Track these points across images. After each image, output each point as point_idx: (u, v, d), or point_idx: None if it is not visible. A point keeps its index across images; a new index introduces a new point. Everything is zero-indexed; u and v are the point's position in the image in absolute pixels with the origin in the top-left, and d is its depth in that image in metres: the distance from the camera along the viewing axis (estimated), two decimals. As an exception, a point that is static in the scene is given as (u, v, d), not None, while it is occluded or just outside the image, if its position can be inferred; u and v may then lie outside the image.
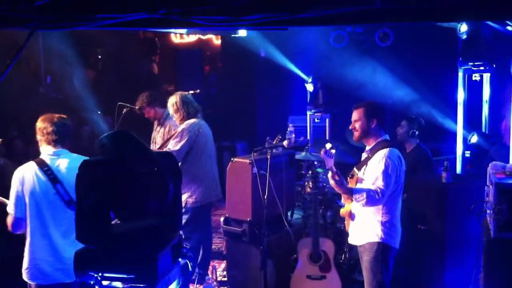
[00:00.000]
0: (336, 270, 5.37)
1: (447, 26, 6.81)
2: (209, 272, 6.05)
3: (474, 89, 7.27)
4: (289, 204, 5.81)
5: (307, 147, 6.77)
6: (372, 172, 4.37)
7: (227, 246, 5.79)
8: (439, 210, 5.21)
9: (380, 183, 4.27)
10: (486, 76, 7.15)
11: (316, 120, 9.05)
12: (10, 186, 4.09)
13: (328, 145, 4.64)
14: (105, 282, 2.64)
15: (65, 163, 4.09)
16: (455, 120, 7.31)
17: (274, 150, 5.32)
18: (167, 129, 6.44)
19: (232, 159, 5.50)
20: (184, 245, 3.00)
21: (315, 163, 6.35)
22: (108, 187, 2.58)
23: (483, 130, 7.33)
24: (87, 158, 3.89)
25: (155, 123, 6.68)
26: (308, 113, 9.09)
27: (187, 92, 6.27)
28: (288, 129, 5.26)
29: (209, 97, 11.33)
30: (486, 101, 7.37)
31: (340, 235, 5.99)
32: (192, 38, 11.81)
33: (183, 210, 5.46)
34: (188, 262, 2.99)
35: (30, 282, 4.14)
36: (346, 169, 4.97)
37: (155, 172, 2.62)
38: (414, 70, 8.62)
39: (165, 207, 2.70)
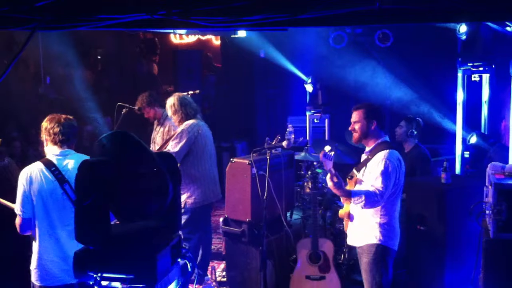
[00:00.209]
0: (335, 271, 5.37)
1: (447, 26, 6.82)
2: (209, 273, 6.05)
3: (473, 89, 7.27)
4: (288, 205, 5.81)
5: (306, 147, 6.78)
6: (371, 174, 4.36)
7: (226, 247, 5.80)
8: (439, 211, 5.21)
9: (379, 185, 4.27)
10: (486, 77, 7.16)
11: (316, 121, 9.05)
12: (14, 185, 4.07)
13: (327, 148, 4.64)
14: (104, 283, 2.64)
15: (72, 163, 4.10)
16: (454, 121, 7.31)
17: (273, 151, 5.32)
18: (166, 129, 6.44)
19: (231, 159, 5.50)
20: (183, 246, 3.00)
21: (315, 163, 6.36)
22: (107, 187, 2.58)
23: (482, 130, 7.33)
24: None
25: (155, 123, 6.69)
26: (308, 113, 9.09)
27: (185, 93, 6.27)
28: (288, 129, 5.26)
29: (208, 97, 11.33)
30: (486, 102, 7.37)
31: (340, 236, 5.99)
32: (192, 38, 11.81)
33: (182, 210, 5.46)
34: (187, 262, 2.99)
35: (37, 284, 4.12)
36: (345, 169, 4.97)
37: (155, 173, 2.62)
38: (414, 71, 8.62)
39: (165, 208, 2.70)
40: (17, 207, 4.06)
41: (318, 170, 6.01)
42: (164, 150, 5.68)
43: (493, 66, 6.55)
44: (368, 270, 4.44)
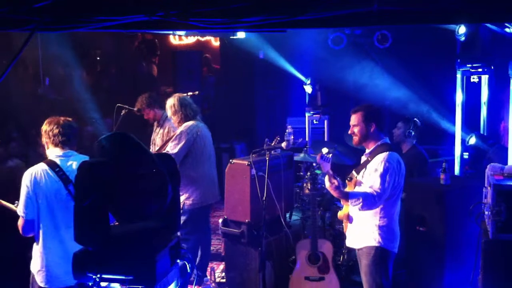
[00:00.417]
0: (334, 272, 5.38)
1: (446, 28, 6.82)
2: (208, 274, 6.05)
3: (472, 90, 7.27)
4: (287, 206, 5.81)
5: (305, 148, 6.78)
6: (370, 175, 4.36)
7: (225, 248, 5.80)
8: (438, 212, 5.21)
9: (377, 186, 4.27)
10: (485, 78, 7.16)
11: (315, 122, 9.05)
12: (18, 187, 4.06)
13: (325, 150, 4.63)
14: (103, 284, 2.64)
15: (76, 164, 4.07)
16: (453, 122, 7.31)
17: (272, 152, 5.32)
18: (166, 130, 6.44)
19: (230, 160, 5.50)
20: (182, 246, 3.00)
21: (314, 164, 6.35)
22: (107, 188, 2.58)
23: (482, 131, 7.33)
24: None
25: (155, 124, 6.69)
26: (307, 114, 9.09)
27: (185, 94, 6.27)
28: (287, 130, 5.25)
29: (207, 98, 11.33)
30: (485, 103, 7.37)
31: (339, 237, 5.99)
32: (191, 39, 11.81)
33: (181, 211, 5.46)
34: (186, 263, 2.99)
35: (42, 286, 4.10)
36: (345, 170, 4.97)
37: (154, 174, 2.62)
38: (413, 72, 8.63)
39: (164, 209, 2.70)
40: (20, 208, 4.05)
41: (317, 171, 6.01)
42: (163, 152, 5.69)
43: (492, 67, 6.55)
44: (368, 273, 4.43)
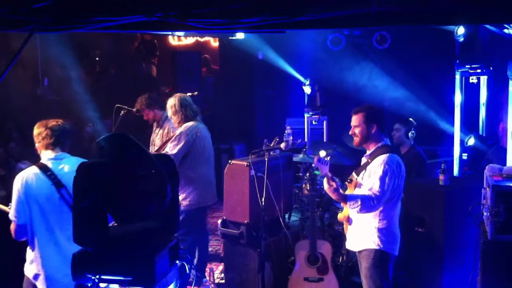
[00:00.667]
0: (333, 272, 5.38)
1: (445, 28, 6.83)
2: (207, 275, 6.05)
3: (471, 91, 7.28)
4: (286, 206, 5.81)
5: (304, 149, 6.78)
6: (370, 178, 4.34)
7: (224, 249, 5.79)
8: (437, 213, 5.21)
9: (376, 189, 4.24)
10: (483, 79, 7.16)
11: (314, 123, 9.06)
12: None
13: (322, 153, 4.62)
14: (102, 285, 2.64)
15: (68, 167, 4.05)
16: (452, 123, 7.32)
17: (271, 153, 5.32)
18: (165, 131, 6.44)
19: (229, 161, 5.50)
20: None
21: (313, 165, 6.35)
22: (106, 189, 2.58)
23: (480, 132, 7.34)
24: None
25: (154, 125, 6.69)
26: (306, 115, 9.09)
27: (186, 94, 6.27)
28: (286, 131, 5.25)
29: (207, 99, 11.32)
30: (483, 104, 7.37)
31: (338, 237, 5.99)
32: (190, 40, 11.81)
33: (179, 212, 5.46)
34: (185, 264, 2.99)
35: None
36: (344, 171, 4.98)
37: (153, 175, 2.62)
38: (412, 73, 8.65)
39: (163, 210, 2.70)
40: (11, 213, 3.99)
41: (316, 172, 6.00)
42: (162, 152, 5.69)
43: (491, 68, 6.55)
44: (368, 276, 4.42)
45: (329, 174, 4.37)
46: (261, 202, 5.01)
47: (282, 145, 5.18)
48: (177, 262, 2.91)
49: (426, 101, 8.41)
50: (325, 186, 4.36)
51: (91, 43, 10.14)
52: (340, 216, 4.72)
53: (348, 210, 4.52)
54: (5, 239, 4.13)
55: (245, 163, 5.28)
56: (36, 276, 4.06)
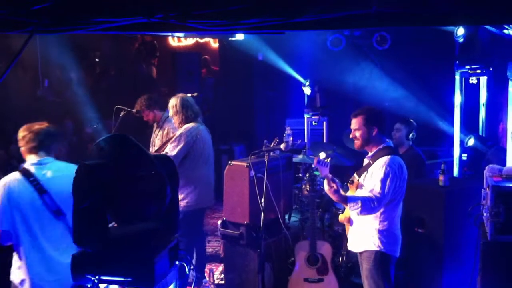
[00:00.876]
0: (333, 273, 5.38)
1: (444, 29, 6.83)
2: (207, 275, 6.05)
3: (471, 92, 7.28)
4: (286, 207, 5.81)
5: (304, 150, 6.78)
6: (371, 179, 4.33)
7: (224, 249, 5.79)
8: (437, 213, 5.21)
9: (377, 191, 4.23)
10: (483, 79, 7.17)
11: (314, 123, 9.07)
12: None
13: (322, 155, 4.61)
14: (102, 285, 2.64)
15: (52, 172, 3.95)
16: (452, 123, 7.32)
17: (271, 153, 5.32)
18: (165, 131, 6.44)
19: (229, 162, 5.50)
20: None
21: (313, 166, 6.36)
22: (105, 190, 2.58)
23: (480, 133, 7.34)
24: (74, 165, 3.86)
25: (154, 126, 6.69)
26: (306, 116, 9.10)
27: (188, 95, 6.26)
28: (286, 132, 5.25)
29: (206, 100, 11.32)
30: (483, 104, 7.38)
31: (338, 238, 5.99)
32: (190, 41, 11.83)
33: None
34: (185, 265, 2.99)
35: None
36: (344, 172, 4.97)
37: (153, 176, 2.62)
38: (412, 73, 8.65)
39: (163, 210, 2.70)
40: None
41: (316, 173, 5.99)
42: (162, 153, 5.68)
43: (491, 69, 6.56)
44: (369, 277, 4.41)
45: (329, 176, 4.36)
46: (261, 203, 5.01)
47: (282, 146, 5.18)
48: (177, 263, 2.92)
49: (426, 101, 8.41)
50: (326, 187, 4.35)
51: (91, 44, 10.16)
52: (341, 217, 4.71)
53: (349, 211, 4.52)
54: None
55: (245, 164, 5.28)
56: (22, 282, 3.97)
